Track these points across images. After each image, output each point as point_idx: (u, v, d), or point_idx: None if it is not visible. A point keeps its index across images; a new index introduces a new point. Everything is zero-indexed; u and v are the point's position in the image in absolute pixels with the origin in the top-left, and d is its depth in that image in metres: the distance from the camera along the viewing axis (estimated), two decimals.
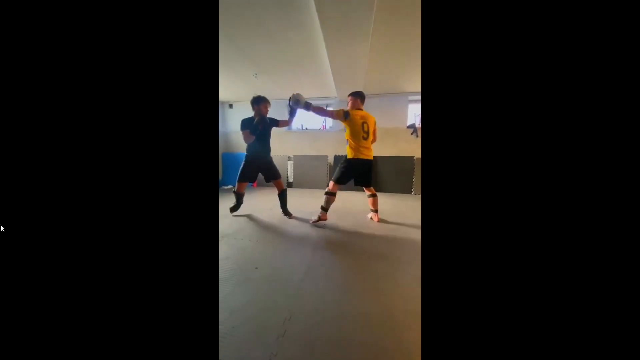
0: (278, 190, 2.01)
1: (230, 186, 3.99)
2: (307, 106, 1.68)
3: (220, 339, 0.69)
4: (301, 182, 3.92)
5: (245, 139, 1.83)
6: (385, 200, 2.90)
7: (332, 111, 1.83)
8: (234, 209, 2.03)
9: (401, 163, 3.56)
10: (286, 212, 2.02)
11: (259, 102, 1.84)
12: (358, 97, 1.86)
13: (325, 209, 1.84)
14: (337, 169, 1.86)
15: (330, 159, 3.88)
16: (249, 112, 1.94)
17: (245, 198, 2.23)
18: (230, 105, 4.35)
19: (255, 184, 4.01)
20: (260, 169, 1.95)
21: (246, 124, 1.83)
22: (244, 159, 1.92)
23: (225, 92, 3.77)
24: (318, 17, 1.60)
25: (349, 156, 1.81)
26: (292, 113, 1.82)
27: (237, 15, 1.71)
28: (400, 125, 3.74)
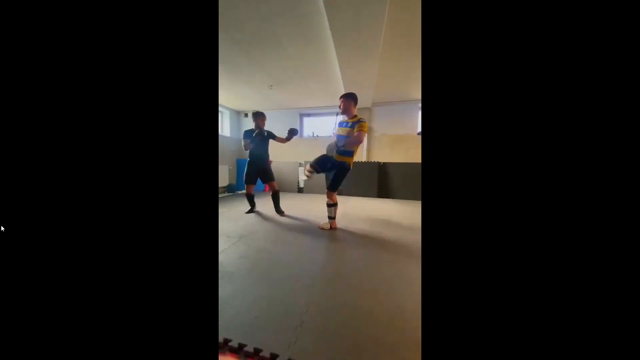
0: (272, 191, 2.28)
1: (243, 191, 4.15)
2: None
3: (243, 326, 0.77)
4: (312, 188, 4.00)
5: (245, 147, 2.19)
6: (396, 207, 2.91)
7: (360, 136, 1.69)
8: (249, 212, 2.37)
9: (411, 169, 3.57)
10: (279, 211, 2.26)
11: (257, 117, 2.20)
12: (352, 99, 1.70)
13: (333, 217, 1.88)
14: (339, 178, 1.83)
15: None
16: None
17: (260, 202, 2.46)
18: (246, 115, 4.57)
19: (267, 189, 4.14)
20: (259, 172, 2.28)
21: (247, 134, 2.21)
22: (246, 165, 2.26)
23: (242, 102, 3.99)
24: (331, 35, 1.73)
25: (351, 165, 1.83)
26: (288, 138, 2.16)
27: (256, 34, 1.87)
28: (410, 132, 3.77)
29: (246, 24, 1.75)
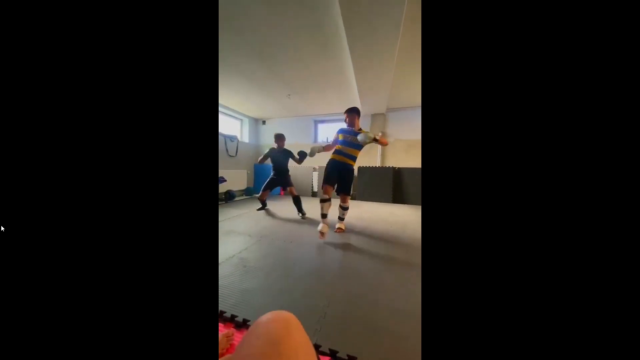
0: (292, 196, 2.58)
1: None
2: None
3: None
4: None
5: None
6: (411, 212, 2.90)
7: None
8: (260, 209, 2.80)
9: None
10: (301, 212, 2.50)
11: (278, 138, 2.63)
12: (356, 113, 1.88)
13: (343, 219, 2.04)
14: (349, 180, 2.01)
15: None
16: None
17: (279, 205, 2.69)
18: (264, 122, 4.80)
19: (282, 193, 4.28)
20: (279, 184, 2.70)
21: (268, 153, 2.65)
22: (270, 176, 2.68)
23: (260, 110, 4.21)
24: (348, 46, 1.83)
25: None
26: (300, 161, 2.47)
27: (277, 48, 2.03)
28: None
29: (271, 41, 1.91)
